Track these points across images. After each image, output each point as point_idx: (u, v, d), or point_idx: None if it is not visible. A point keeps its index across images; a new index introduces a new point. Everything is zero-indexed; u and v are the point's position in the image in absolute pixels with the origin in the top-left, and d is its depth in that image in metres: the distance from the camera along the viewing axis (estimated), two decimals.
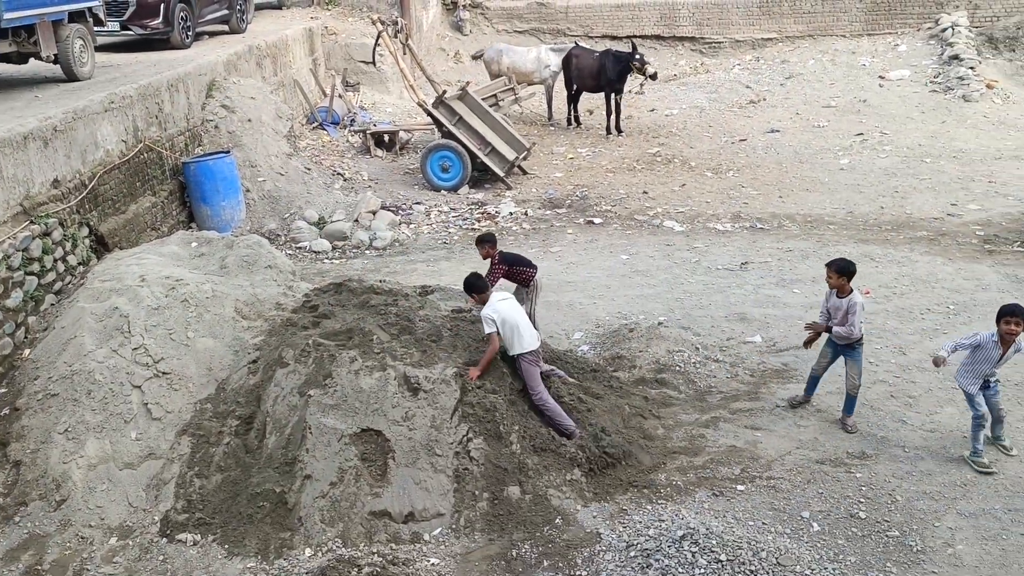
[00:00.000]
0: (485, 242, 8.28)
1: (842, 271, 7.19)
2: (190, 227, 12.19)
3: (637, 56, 17.43)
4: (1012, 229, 11.97)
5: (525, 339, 6.85)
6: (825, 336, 7.44)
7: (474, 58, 20.07)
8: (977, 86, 18.78)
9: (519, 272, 8.28)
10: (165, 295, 7.75)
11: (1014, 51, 20.95)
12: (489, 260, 8.25)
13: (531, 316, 8.28)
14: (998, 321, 6.56)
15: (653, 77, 17.82)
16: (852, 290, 7.21)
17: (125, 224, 10.58)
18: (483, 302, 6.99)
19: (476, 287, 7.08)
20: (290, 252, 12.29)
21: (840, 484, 6.56)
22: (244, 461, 6.78)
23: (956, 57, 19.82)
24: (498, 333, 6.81)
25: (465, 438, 6.54)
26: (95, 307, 7.59)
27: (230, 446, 6.86)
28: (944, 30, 21.14)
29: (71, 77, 12.03)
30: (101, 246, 9.78)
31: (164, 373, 7.27)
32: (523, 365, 6.88)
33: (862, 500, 6.37)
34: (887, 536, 6.00)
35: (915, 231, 12.12)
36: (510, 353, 6.92)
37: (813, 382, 7.63)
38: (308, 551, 6.10)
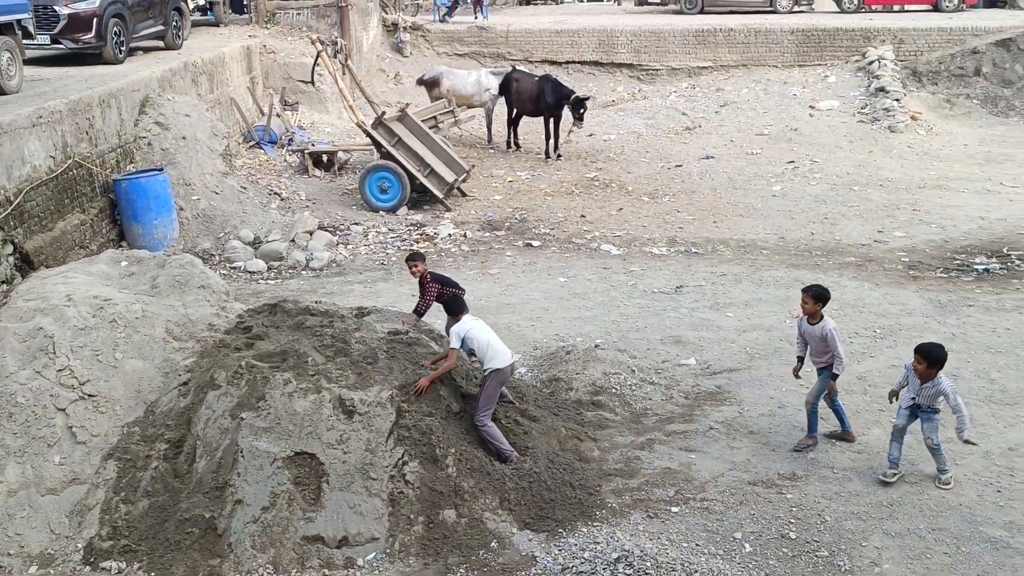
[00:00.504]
0: (417, 259, 8.22)
1: (818, 297, 7.30)
2: (120, 246, 11.91)
3: (580, 111, 17.46)
4: (935, 256, 12.39)
5: (499, 355, 6.86)
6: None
7: (419, 83, 20.05)
8: (902, 118, 19.47)
9: (448, 293, 8.22)
10: (93, 315, 7.53)
11: (936, 84, 21.80)
12: (420, 278, 8.18)
13: None
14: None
15: (580, 119, 17.87)
16: (823, 316, 7.32)
17: (52, 242, 10.29)
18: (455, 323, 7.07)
19: (453, 311, 7.19)
20: (224, 272, 12.08)
21: (771, 505, 6.67)
22: (173, 486, 6.61)
23: (882, 89, 20.54)
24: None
25: (400, 461, 6.48)
26: (18, 327, 7.33)
27: (158, 470, 6.68)
28: (871, 63, 21.91)
29: None
30: (26, 264, 9.50)
31: (90, 395, 7.06)
32: (489, 383, 6.83)
33: (793, 521, 6.48)
34: (816, 556, 6.11)
35: (844, 257, 12.46)
36: (484, 367, 6.89)
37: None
38: None
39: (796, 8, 28.27)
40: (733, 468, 7.17)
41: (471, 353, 7.03)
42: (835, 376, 7.36)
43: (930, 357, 6.77)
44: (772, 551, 6.17)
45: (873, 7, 27.85)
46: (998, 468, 7.09)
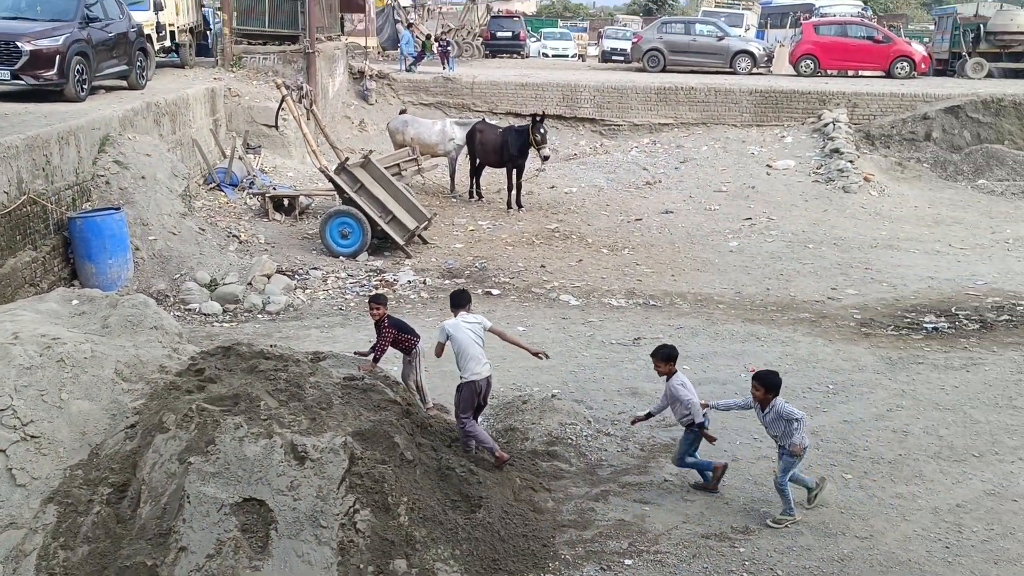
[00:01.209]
0: (380, 301, 8.19)
1: (667, 358, 7.53)
2: (72, 284, 11.71)
3: (541, 131, 17.78)
4: (886, 314, 12.63)
5: (471, 365, 7.22)
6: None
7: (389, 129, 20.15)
8: (856, 179, 19.99)
9: (404, 339, 8.23)
10: (39, 354, 7.35)
11: (888, 148, 22.46)
12: (377, 321, 8.15)
13: (418, 385, 8.25)
14: None
15: (545, 159, 18.17)
16: (676, 372, 7.53)
17: (1, 279, 10.08)
18: None
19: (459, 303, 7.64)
20: (179, 314, 11.91)
21: (724, 558, 6.65)
22: (115, 532, 6.41)
23: (837, 151, 21.09)
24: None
25: (352, 509, 6.37)
26: None
27: (100, 515, 6.48)
28: (826, 125, 22.53)
29: None
30: None
31: (32, 436, 6.85)
32: (464, 391, 7.17)
33: (745, 574, 6.47)
34: None
35: (798, 313, 12.65)
36: (461, 376, 7.22)
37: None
38: None
39: (755, 70, 29.06)
40: (687, 521, 7.15)
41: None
42: (700, 426, 7.43)
43: (767, 383, 7.10)
44: None
45: (828, 71, 28.73)
46: (946, 524, 7.16)
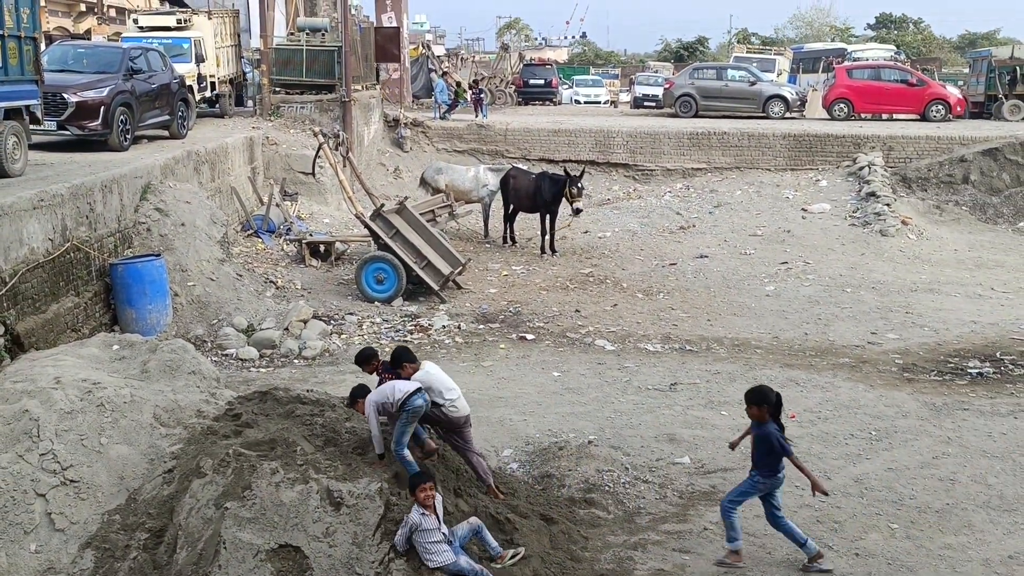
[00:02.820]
0: (370, 360, 7.53)
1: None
2: (113, 330, 11.85)
3: (579, 185, 17.88)
4: (928, 359, 12.39)
5: (445, 394, 7.02)
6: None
7: (421, 183, 20.34)
8: (893, 222, 19.78)
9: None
10: (80, 399, 7.43)
11: (926, 191, 22.24)
12: (376, 374, 7.58)
13: None
14: None
15: (577, 212, 18.25)
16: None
17: (44, 324, 10.24)
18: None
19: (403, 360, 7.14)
20: (216, 359, 12.00)
21: None
22: None
23: (873, 194, 20.93)
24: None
25: (387, 557, 6.30)
26: (4, 409, 7.22)
27: (137, 561, 6.48)
28: (861, 168, 22.40)
29: (1, 173, 11.85)
30: (16, 346, 9.43)
31: (72, 481, 6.90)
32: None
33: None
34: None
35: (838, 358, 12.45)
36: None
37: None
38: None
39: (788, 114, 29.05)
40: (728, 571, 6.97)
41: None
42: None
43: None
44: None
45: (862, 115, 28.64)
46: None
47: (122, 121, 15.67)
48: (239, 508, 6.42)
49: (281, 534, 6.31)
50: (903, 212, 20.56)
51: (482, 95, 29.83)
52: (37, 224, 10.38)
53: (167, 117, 17.77)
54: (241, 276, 14.66)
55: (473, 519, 6.40)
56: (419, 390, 6.73)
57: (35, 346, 9.67)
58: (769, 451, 6.88)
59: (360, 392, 7.11)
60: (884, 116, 28.95)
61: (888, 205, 20.47)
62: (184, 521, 6.56)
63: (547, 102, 40.96)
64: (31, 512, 6.61)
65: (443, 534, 6.19)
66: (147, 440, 7.46)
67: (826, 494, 7.26)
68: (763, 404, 6.93)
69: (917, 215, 20.81)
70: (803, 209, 21.13)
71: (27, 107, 12.54)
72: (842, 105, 28.63)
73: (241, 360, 12.19)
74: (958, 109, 28.36)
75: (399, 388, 6.75)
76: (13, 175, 11.94)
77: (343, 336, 13.38)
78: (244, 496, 6.49)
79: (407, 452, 6.77)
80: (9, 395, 7.42)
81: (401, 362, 7.16)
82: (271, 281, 15.50)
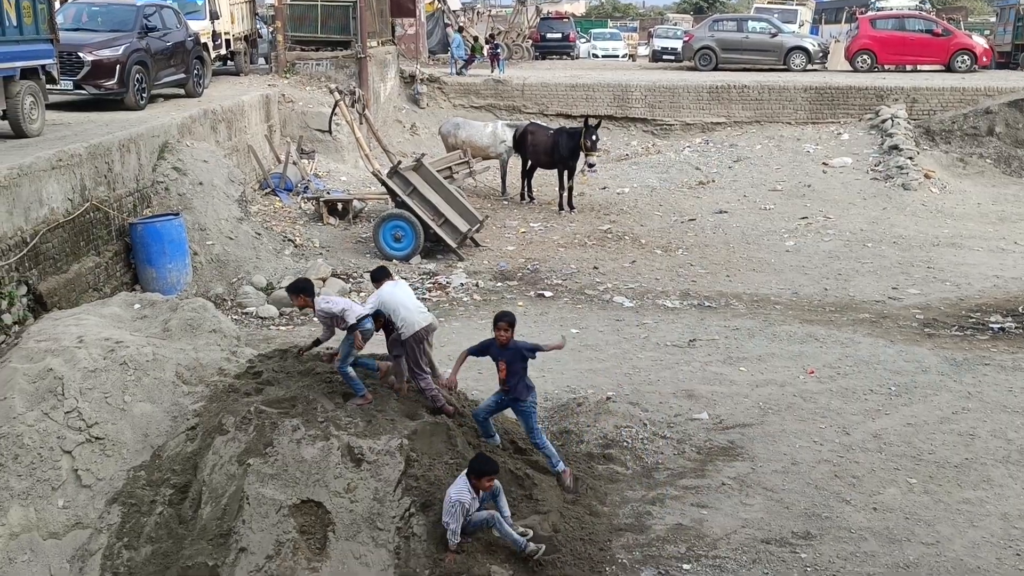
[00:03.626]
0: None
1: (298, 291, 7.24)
2: (134, 289, 11.94)
3: (593, 137, 17.68)
4: (950, 314, 12.29)
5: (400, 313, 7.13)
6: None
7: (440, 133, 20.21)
8: (915, 175, 19.50)
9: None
10: (103, 357, 7.52)
11: (949, 143, 21.88)
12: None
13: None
14: None
15: (591, 166, 18.06)
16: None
17: (66, 284, 10.33)
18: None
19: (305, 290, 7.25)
20: (236, 317, 12.08)
21: (785, 564, 6.52)
22: (176, 532, 6.52)
23: (895, 147, 20.61)
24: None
25: (408, 512, 6.39)
26: (28, 368, 7.33)
27: (162, 516, 6.60)
28: (884, 121, 22.03)
29: (19, 133, 11.87)
30: (39, 305, 9.52)
31: (97, 438, 7.02)
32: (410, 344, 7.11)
33: None
34: None
35: (858, 313, 12.38)
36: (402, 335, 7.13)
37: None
38: None
39: (809, 67, 28.57)
40: (746, 525, 7.03)
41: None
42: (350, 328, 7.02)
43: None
44: None
45: (886, 66, 28.12)
46: (1017, 531, 6.93)
47: (138, 80, 15.62)
48: (261, 464, 6.51)
49: (303, 490, 6.40)
50: (926, 165, 20.26)
51: (498, 50, 29.49)
52: (56, 184, 10.42)
53: (183, 75, 17.70)
54: (260, 235, 14.70)
55: (494, 513, 6.36)
56: (369, 316, 7.09)
57: (58, 305, 9.77)
58: (525, 369, 7.17)
59: (305, 286, 7.34)
60: (908, 67, 28.41)
61: (911, 158, 20.16)
62: (208, 477, 6.66)
63: (564, 56, 40.46)
64: (58, 469, 6.74)
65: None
66: (170, 398, 7.56)
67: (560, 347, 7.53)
68: (515, 323, 7.18)
69: (940, 168, 20.50)
70: (824, 163, 20.87)
71: (43, 67, 12.52)
72: (865, 56, 28.09)
73: (261, 318, 12.27)
74: (984, 59, 27.77)
75: (355, 311, 7.09)
76: (31, 135, 11.97)
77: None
78: (266, 453, 6.58)
79: (350, 370, 7.12)
80: (33, 354, 7.52)
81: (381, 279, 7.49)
82: (289, 239, 15.53)
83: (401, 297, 7.29)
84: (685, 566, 6.49)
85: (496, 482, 6.40)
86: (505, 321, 7.07)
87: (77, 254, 10.83)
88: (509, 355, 7.09)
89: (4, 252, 9.03)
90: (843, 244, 16.00)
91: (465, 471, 6.29)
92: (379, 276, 7.60)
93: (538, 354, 7.25)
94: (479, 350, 7.24)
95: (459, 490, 6.15)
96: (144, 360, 7.66)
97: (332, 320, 7.17)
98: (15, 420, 6.86)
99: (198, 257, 13.15)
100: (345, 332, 7.11)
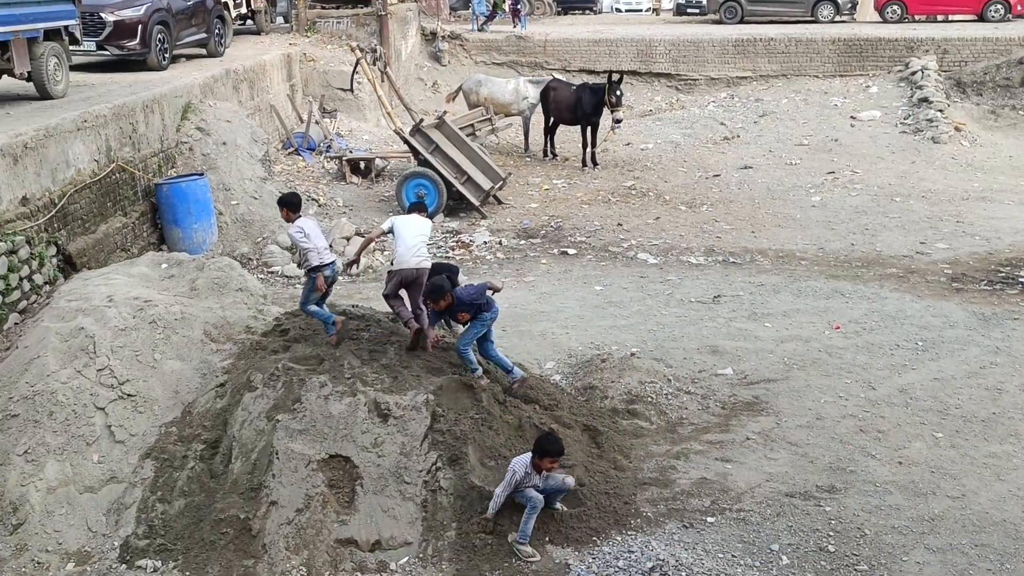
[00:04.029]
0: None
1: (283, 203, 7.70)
2: (161, 249, 12.06)
3: (617, 93, 17.50)
4: (979, 268, 12.15)
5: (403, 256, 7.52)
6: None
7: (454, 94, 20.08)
8: (946, 128, 19.15)
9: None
10: (133, 316, 7.63)
11: (981, 95, 21.43)
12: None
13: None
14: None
15: (618, 122, 17.91)
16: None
17: (94, 244, 10.44)
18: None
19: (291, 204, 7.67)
20: (262, 276, 12.18)
21: (809, 517, 6.55)
22: (208, 486, 6.65)
23: (925, 100, 20.23)
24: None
25: (434, 466, 6.47)
26: (60, 327, 7.45)
27: (194, 471, 6.73)
28: (914, 73, 21.60)
29: (44, 95, 11.93)
30: (69, 266, 9.64)
31: (129, 395, 7.14)
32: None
33: (831, 534, 6.36)
34: (856, 570, 5.99)
35: (885, 268, 12.26)
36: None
37: None
38: None
39: (837, 18, 28.02)
40: (770, 479, 7.06)
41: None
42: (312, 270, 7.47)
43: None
44: (810, 564, 6.06)
45: (916, 17, 27.52)
46: None
47: (160, 40, 15.62)
48: (290, 420, 6.61)
49: (331, 445, 6.50)
50: (956, 118, 19.88)
51: (520, 6, 29.15)
52: (82, 145, 10.49)
53: (204, 35, 17.66)
54: None
55: (539, 504, 6.27)
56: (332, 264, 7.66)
57: (87, 265, 9.89)
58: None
59: (291, 200, 7.77)
60: (939, 17, 27.78)
61: (941, 111, 19.78)
62: (238, 433, 6.77)
63: (587, 11, 39.95)
64: (92, 425, 6.87)
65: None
66: (199, 355, 7.66)
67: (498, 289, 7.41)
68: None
69: (971, 121, 20.11)
70: (852, 117, 20.53)
71: (66, 27, 12.53)
72: (895, 7, 27.51)
73: (286, 277, 12.36)
74: (1018, 8, 27.10)
75: (319, 254, 7.48)
76: (56, 97, 12.02)
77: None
78: (294, 409, 6.68)
79: (312, 308, 7.60)
80: (65, 313, 7.63)
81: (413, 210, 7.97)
82: (313, 199, 15.57)
83: (404, 232, 7.59)
84: (709, 519, 6.54)
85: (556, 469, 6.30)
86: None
87: (104, 215, 10.93)
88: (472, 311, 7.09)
89: (33, 213, 9.13)
90: (871, 199, 15.80)
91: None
92: (415, 207, 8.09)
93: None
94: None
95: (521, 463, 6.17)
96: (173, 319, 7.76)
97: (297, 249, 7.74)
98: (49, 378, 6.99)
99: (223, 217, 13.23)
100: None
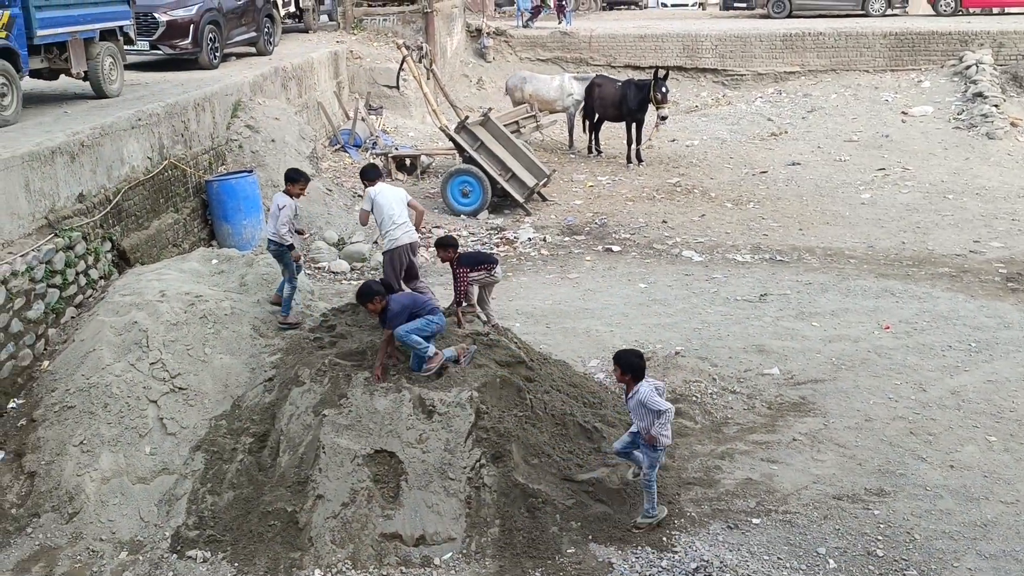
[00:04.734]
0: (444, 245, 8.01)
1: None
2: (211, 245, 12.27)
3: (663, 89, 17.40)
4: None
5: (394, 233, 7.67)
6: None
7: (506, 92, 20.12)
8: (1001, 124, 18.70)
9: (481, 270, 8.09)
10: (184, 311, 7.78)
11: None
12: (450, 264, 8.07)
13: (484, 304, 8.22)
14: None
15: (663, 119, 17.79)
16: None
17: (147, 240, 10.66)
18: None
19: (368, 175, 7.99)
20: (309, 272, 12.30)
21: (857, 521, 6.46)
22: (257, 479, 6.77)
23: (980, 95, 19.77)
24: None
25: (478, 463, 6.50)
26: (115, 321, 7.63)
27: (243, 463, 6.85)
28: (968, 67, 21.12)
29: (100, 94, 12.19)
30: (123, 261, 9.85)
31: (180, 388, 7.29)
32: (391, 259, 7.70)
33: (880, 538, 6.27)
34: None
35: (937, 267, 12.03)
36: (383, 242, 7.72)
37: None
38: (318, 572, 6.07)
39: (889, 11, 27.50)
40: (817, 481, 6.97)
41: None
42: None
43: (622, 364, 6.30)
44: (858, 568, 5.98)
45: (971, 9, 26.89)
46: None
47: (211, 39, 15.87)
48: (336, 415, 6.69)
49: (376, 440, 6.57)
50: (1012, 113, 19.40)
51: (565, 1, 29.07)
52: (136, 143, 10.71)
53: (253, 34, 17.90)
54: (330, 191, 14.91)
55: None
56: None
57: (140, 261, 10.11)
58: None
59: (293, 176, 8.43)
60: (995, 10, 27.10)
61: (996, 106, 19.31)
62: (285, 427, 6.88)
63: (632, 7, 39.67)
64: (145, 417, 7.03)
65: None
66: (248, 350, 7.79)
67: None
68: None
69: None
70: (903, 112, 20.15)
71: (121, 28, 12.79)
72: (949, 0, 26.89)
73: (333, 273, 12.50)
74: None
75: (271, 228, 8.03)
76: (111, 95, 12.28)
77: (430, 250, 13.53)
78: (340, 404, 6.76)
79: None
80: (119, 307, 7.81)
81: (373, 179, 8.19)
82: (359, 195, 15.70)
83: (386, 205, 7.70)
84: (755, 520, 6.48)
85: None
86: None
87: (157, 211, 11.15)
88: None
89: (89, 210, 9.34)
90: (922, 196, 15.50)
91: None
92: (371, 176, 8.18)
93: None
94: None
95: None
96: (223, 314, 7.90)
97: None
98: (104, 371, 7.17)
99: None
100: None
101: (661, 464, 6.43)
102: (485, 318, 8.19)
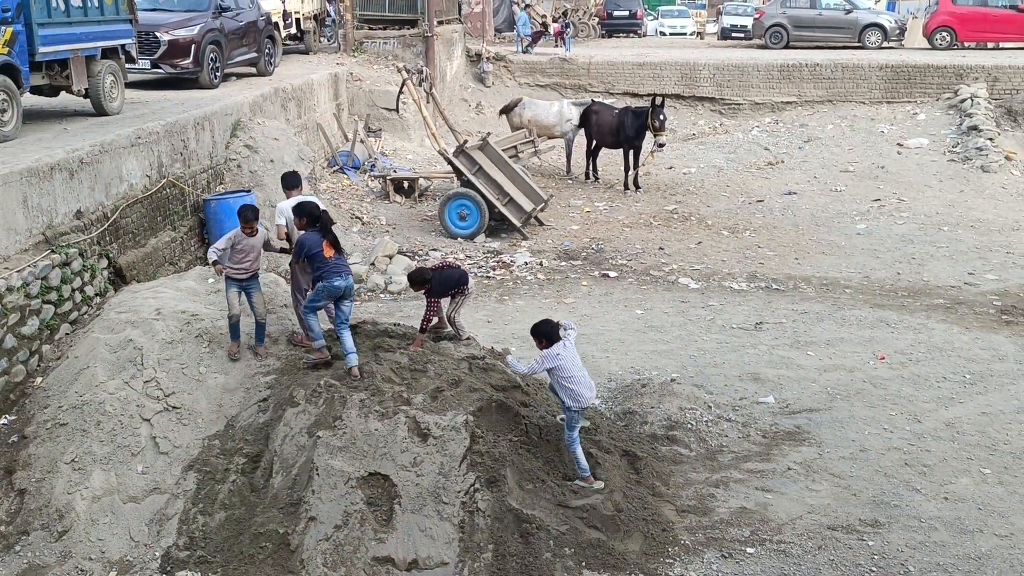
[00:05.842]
0: (421, 283, 7.88)
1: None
2: (207, 264, 12.25)
3: (660, 117, 17.51)
4: None
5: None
6: None
7: (502, 112, 20.24)
8: (996, 157, 18.83)
9: (456, 295, 8.08)
10: (180, 329, 7.76)
11: None
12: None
13: (451, 320, 8.12)
14: None
15: (660, 146, 17.90)
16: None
17: (144, 257, 10.64)
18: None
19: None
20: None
21: (852, 551, 6.44)
22: (249, 500, 6.72)
23: (975, 128, 19.92)
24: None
25: (472, 488, 6.47)
26: (110, 338, 7.61)
27: (236, 484, 6.81)
28: (963, 101, 21.30)
29: (100, 111, 12.22)
30: (119, 278, 9.83)
31: (174, 407, 7.26)
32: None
33: (874, 569, 6.25)
34: None
35: (932, 298, 12.07)
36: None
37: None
38: None
39: (885, 44, 27.76)
40: (812, 511, 6.96)
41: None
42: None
43: (534, 335, 6.90)
44: None
45: (966, 44, 27.17)
46: None
47: (212, 59, 15.94)
48: (330, 437, 6.66)
49: (370, 463, 6.54)
50: (1007, 147, 19.54)
51: (568, 28, 29.28)
52: (135, 161, 10.72)
53: (254, 54, 17.99)
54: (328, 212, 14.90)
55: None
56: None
57: (136, 278, 10.08)
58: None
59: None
60: (990, 45, 27.39)
61: (991, 139, 19.46)
62: (279, 448, 6.84)
63: (631, 34, 39.97)
64: (137, 436, 6.99)
65: None
66: (243, 370, 7.76)
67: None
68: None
69: (1022, 149, 19.76)
70: (899, 144, 20.30)
71: (123, 46, 12.85)
72: (944, 33, 27.14)
73: None
74: None
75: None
76: (111, 113, 12.31)
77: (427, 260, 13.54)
78: (335, 425, 6.73)
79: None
80: (114, 325, 7.79)
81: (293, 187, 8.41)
82: (357, 217, 15.74)
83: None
84: (749, 550, 6.46)
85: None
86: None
87: (154, 229, 11.14)
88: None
89: (87, 226, 9.33)
90: (917, 227, 15.58)
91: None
92: (290, 183, 8.31)
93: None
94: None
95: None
96: (218, 333, 7.88)
97: None
98: (97, 388, 7.14)
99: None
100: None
101: (580, 425, 6.91)
102: (454, 332, 8.16)
